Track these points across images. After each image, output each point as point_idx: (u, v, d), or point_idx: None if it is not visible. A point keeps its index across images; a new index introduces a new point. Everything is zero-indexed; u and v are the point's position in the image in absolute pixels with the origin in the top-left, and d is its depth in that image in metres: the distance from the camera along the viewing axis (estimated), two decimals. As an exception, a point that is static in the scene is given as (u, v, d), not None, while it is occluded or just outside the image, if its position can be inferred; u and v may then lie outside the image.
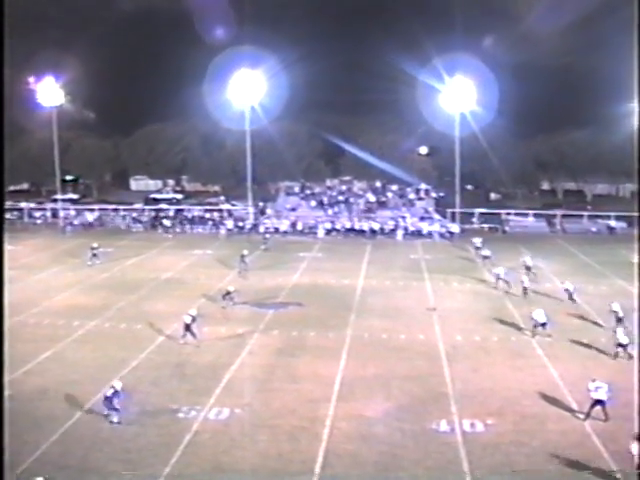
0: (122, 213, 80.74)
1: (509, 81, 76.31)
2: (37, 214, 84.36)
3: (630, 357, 30.63)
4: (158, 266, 53.72)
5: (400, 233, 68.77)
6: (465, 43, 74.14)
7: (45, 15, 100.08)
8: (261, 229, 70.28)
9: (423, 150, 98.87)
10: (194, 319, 34.00)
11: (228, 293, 40.84)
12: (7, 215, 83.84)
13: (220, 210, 79.75)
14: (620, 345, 30.97)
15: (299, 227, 71.59)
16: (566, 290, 40.97)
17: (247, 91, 73.97)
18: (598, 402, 24.38)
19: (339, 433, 23.76)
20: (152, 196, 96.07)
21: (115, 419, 24.91)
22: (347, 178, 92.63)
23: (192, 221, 76.66)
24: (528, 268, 47.89)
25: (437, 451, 22.40)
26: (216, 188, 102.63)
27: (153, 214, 79.88)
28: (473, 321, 37.74)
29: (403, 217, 73.48)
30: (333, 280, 47.81)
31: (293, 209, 79.26)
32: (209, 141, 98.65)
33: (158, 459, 21.94)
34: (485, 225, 73.48)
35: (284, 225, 72.43)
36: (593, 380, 24.67)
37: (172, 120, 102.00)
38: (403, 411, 25.52)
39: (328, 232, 69.95)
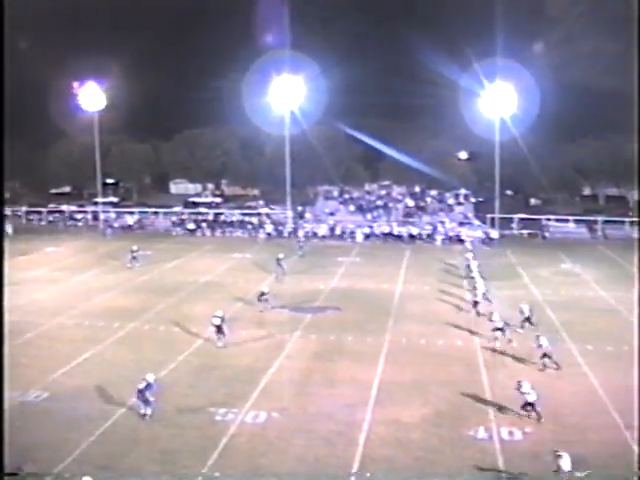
0: (173, 219, 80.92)
1: (550, 85, 75.77)
2: (78, 216, 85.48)
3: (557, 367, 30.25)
4: (197, 269, 54.05)
5: (439, 238, 68.51)
6: (506, 47, 73.62)
7: (87, 19, 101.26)
8: (300, 233, 70.39)
9: (463, 155, 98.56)
10: (223, 319, 34.40)
11: (262, 294, 40.99)
12: (49, 217, 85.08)
13: (259, 214, 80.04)
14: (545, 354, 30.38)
15: (337, 231, 71.59)
16: (521, 312, 37.40)
17: (287, 95, 74.19)
18: (529, 404, 24.89)
19: (376, 438, 23.71)
20: (191, 199, 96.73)
21: (148, 411, 25.49)
22: (386, 183, 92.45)
23: (231, 225, 77.01)
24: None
25: (474, 458, 22.22)
26: (255, 192, 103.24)
27: (192, 217, 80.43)
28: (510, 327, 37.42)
29: (442, 222, 73.13)
30: (371, 285, 47.74)
31: (332, 213, 79.24)
32: (248, 145, 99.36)
33: (195, 461, 22.07)
34: (525, 231, 72.83)
35: (322, 229, 72.47)
36: (519, 382, 25.40)
37: (212, 125, 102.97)
38: (440, 417, 25.40)
39: (367, 237, 69.84)
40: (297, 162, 79.67)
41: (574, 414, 25.68)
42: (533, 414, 25.01)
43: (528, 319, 36.24)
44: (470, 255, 54.23)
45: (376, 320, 38.68)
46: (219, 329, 34.16)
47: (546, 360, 30.30)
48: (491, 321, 34.57)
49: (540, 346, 30.37)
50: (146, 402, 25.48)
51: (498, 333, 33.70)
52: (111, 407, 26.50)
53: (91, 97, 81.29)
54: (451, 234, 69.48)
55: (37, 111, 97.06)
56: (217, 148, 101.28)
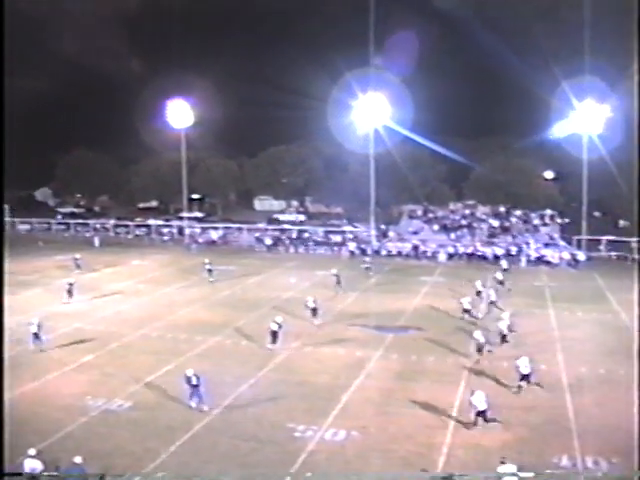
0: (256, 235, 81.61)
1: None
2: (164, 231, 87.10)
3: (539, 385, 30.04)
4: (279, 285, 54.41)
5: (524, 259, 67.41)
6: (597, 67, 72.16)
7: (177, 38, 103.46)
8: (383, 252, 70.22)
9: (549, 174, 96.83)
10: (280, 326, 35.78)
11: (314, 310, 42.04)
12: (136, 231, 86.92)
13: (342, 232, 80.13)
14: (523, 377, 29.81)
15: (421, 250, 71.14)
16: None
17: (371, 114, 74.30)
18: (481, 412, 25.49)
19: (455, 461, 23.33)
20: (275, 216, 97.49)
21: (199, 405, 27.59)
22: (471, 202, 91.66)
23: (314, 242, 77.32)
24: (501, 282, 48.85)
25: (557, 486, 21.70)
26: (339, 210, 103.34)
27: (276, 234, 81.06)
28: (598, 352, 36.43)
29: (527, 243, 71.97)
30: (454, 305, 47.17)
31: (415, 232, 78.88)
32: (333, 163, 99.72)
33: (273, 476, 22.12)
34: (613, 253, 71.03)
35: (406, 248, 72.12)
36: (473, 392, 26.00)
37: (296, 142, 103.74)
38: (522, 443, 24.81)
39: (450, 256, 69.20)
40: (381, 181, 79.61)
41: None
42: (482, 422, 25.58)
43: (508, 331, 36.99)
44: (500, 275, 54.17)
45: (458, 341, 38.18)
46: (274, 335, 35.48)
47: (523, 384, 29.81)
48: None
49: (517, 367, 29.96)
50: (198, 396, 27.60)
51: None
52: (192, 419, 26.79)
53: (179, 114, 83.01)
54: (536, 255, 68.23)
55: (126, 128, 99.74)
56: (301, 165, 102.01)
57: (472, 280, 52.41)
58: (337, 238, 78.06)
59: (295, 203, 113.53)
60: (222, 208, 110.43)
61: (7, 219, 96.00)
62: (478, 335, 34.57)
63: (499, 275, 54.36)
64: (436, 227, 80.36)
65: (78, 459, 20.57)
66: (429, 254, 70.31)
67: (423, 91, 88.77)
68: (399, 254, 70.87)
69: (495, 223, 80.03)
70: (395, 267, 64.21)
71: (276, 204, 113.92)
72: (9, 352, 36.47)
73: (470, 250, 70.24)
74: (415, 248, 71.72)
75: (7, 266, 60.60)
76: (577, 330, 41.23)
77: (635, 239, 72.86)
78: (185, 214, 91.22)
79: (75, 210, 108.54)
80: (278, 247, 76.27)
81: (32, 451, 21.28)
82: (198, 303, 48.17)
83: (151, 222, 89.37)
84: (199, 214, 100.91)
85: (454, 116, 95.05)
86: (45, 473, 20.77)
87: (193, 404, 27.79)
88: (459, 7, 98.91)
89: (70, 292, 47.86)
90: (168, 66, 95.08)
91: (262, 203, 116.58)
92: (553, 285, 56.10)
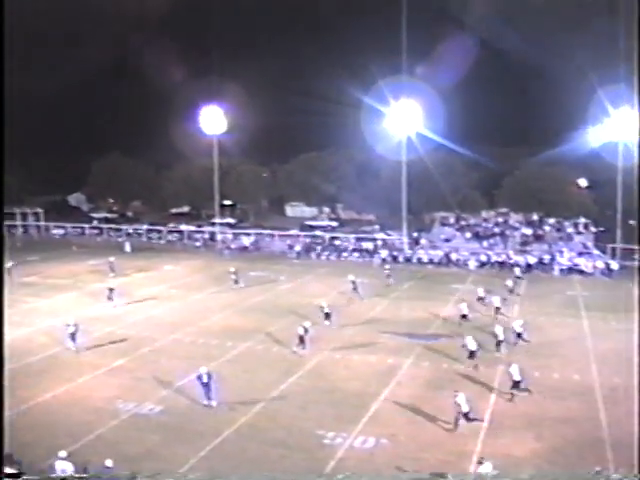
0: (288, 241, 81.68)
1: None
2: (196, 236, 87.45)
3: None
4: (311, 292, 54.36)
5: (557, 268, 66.79)
6: (631, 73, 71.41)
7: (210, 43, 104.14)
8: (415, 259, 70.06)
9: (583, 182, 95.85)
10: (307, 330, 36.50)
11: (327, 315, 42.86)
12: (168, 236, 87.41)
13: (374, 239, 79.94)
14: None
15: (453, 258, 70.75)
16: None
17: (404, 121, 74.18)
18: (465, 414, 26.13)
19: (486, 471, 23.16)
20: (307, 223, 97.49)
21: (208, 401, 28.66)
22: (503, 210, 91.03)
23: (346, 249, 77.20)
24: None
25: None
26: (371, 217, 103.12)
27: (308, 240, 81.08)
28: (633, 363, 35.97)
29: (560, 252, 71.29)
30: (486, 313, 46.84)
31: (447, 240, 78.49)
32: (365, 170, 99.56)
33: (302, 481, 22.14)
34: (648, 262, 70.12)
35: (438, 256, 71.78)
36: (456, 392, 26.76)
37: (328, 149, 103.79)
38: (554, 454, 24.57)
39: (482, 265, 68.75)
40: (413, 188, 79.38)
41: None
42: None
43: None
44: (510, 283, 54.21)
45: (490, 349, 37.87)
46: (302, 339, 36.14)
47: (514, 390, 29.99)
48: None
49: (510, 375, 30.20)
50: (209, 393, 28.71)
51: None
52: (222, 424, 26.88)
53: (212, 121, 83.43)
54: (570, 264, 67.55)
55: (160, 134, 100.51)
56: (333, 172, 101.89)
57: (504, 287, 52.41)
58: (369, 245, 77.83)
59: (327, 210, 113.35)
60: (254, 214, 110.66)
61: (42, 223, 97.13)
62: (470, 341, 34.88)
63: (509, 283, 54.32)
64: (468, 235, 79.85)
65: (109, 462, 20.72)
66: (461, 262, 69.88)
67: (456, 98, 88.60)
68: (431, 261, 70.51)
69: (528, 231, 79.32)
70: (427, 274, 63.94)
71: (308, 211, 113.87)
72: (43, 354, 36.95)
73: (502, 258, 69.69)
74: (447, 256, 71.32)
75: (42, 270, 61.62)
76: (611, 340, 40.72)
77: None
78: (217, 220, 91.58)
79: (108, 215, 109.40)
80: (309, 254, 76.23)
81: (63, 453, 21.50)
82: (230, 309, 48.32)
83: (183, 228, 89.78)
84: (231, 220, 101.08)
85: (487, 123, 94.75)
86: (76, 475, 20.95)
87: (211, 403, 28.85)
88: (492, 16, 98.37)
89: (110, 297, 48.44)
90: (202, 72, 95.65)
91: (294, 209, 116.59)
92: (586, 294, 55.49)
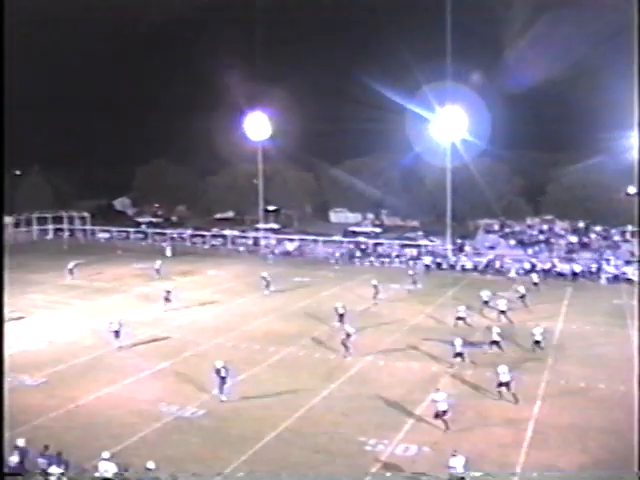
0: (331, 248, 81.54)
1: None
2: (240, 241, 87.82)
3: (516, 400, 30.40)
4: (354, 298, 54.19)
5: (604, 277, 65.84)
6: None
7: (256, 50, 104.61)
8: (458, 266, 69.68)
9: (631, 190, 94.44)
10: (349, 335, 37.15)
11: (341, 316, 43.65)
12: (212, 241, 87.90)
13: (418, 245, 79.55)
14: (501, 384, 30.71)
15: (497, 265, 70.09)
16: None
17: (449, 127, 73.84)
18: (443, 412, 26.93)
19: (529, 482, 22.91)
20: (351, 229, 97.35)
21: (224, 398, 29.94)
22: (549, 217, 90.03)
23: (389, 255, 76.91)
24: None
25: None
26: (414, 223, 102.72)
27: (352, 246, 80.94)
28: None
29: (607, 260, 70.25)
30: (530, 321, 46.26)
31: (492, 247, 77.79)
32: (409, 176, 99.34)
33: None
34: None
35: (482, 263, 71.18)
36: (437, 390, 28.01)
37: (373, 154, 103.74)
38: (600, 466, 24.14)
39: (527, 272, 67.97)
40: (458, 194, 78.94)
41: None
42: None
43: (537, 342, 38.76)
44: (522, 289, 53.09)
45: (534, 358, 37.50)
46: (345, 344, 36.89)
47: (503, 390, 30.59)
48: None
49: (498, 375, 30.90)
50: (221, 386, 30.08)
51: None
52: (264, 429, 26.94)
53: (257, 126, 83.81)
54: (616, 272, 66.52)
55: (204, 140, 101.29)
56: (378, 178, 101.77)
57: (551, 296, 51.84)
58: (412, 251, 77.43)
59: (370, 216, 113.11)
60: (298, 220, 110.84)
61: (88, 227, 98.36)
62: (458, 343, 35.71)
63: (521, 289, 53.14)
64: (513, 242, 79.10)
65: (151, 464, 20.85)
66: (505, 269, 69.14)
67: (500, 104, 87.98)
68: (474, 268, 69.94)
69: (574, 239, 78.34)
70: (471, 282, 63.41)
71: (352, 217, 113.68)
72: (87, 356, 37.40)
73: (547, 266, 68.84)
74: (491, 263, 70.64)
75: (87, 273, 62.40)
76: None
77: None
78: (261, 225, 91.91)
79: (153, 220, 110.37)
80: (352, 260, 76.08)
81: (106, 454, 21.71)
82: (273, 314, 48.46)
83: (227, 233, 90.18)
84: (275, 225, 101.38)
85: (532, 129, 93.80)
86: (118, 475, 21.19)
87: (222, 397, 30.14)
88: (536, 21, 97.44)
89: (168, 299, 48.97)
90: (247, 78, 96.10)
91: (338, 215, 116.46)
92: (633, 303, 54.63)
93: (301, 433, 26.74)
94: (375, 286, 53.60)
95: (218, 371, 30.16)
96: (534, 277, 60.25)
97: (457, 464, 22.00)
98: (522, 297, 51.92)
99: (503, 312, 46.10)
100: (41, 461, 21.64)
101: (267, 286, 56.39)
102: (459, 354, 35.56)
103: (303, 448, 25.34)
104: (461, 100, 74.40)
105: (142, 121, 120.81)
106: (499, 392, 30.56)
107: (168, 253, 76.25)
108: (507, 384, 30.45)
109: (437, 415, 26.99)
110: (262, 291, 56.02)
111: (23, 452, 22.13)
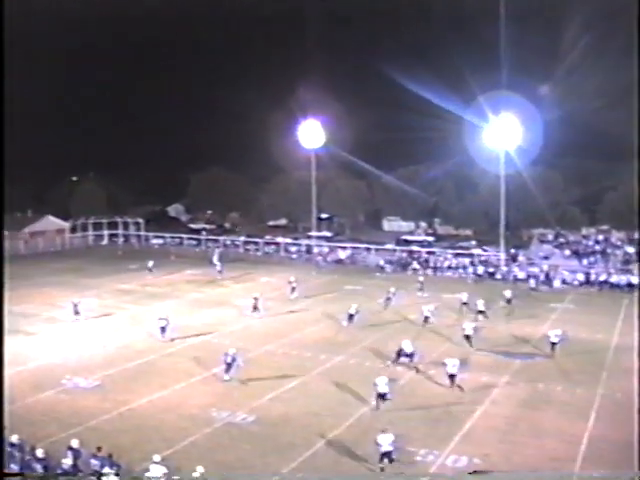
0: (383, 258, 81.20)
1: None
2: (292, 249, 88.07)
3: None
4: (406, 306, 53.88)
5: (660, 288, 64.55)
6: None
7: (311, 59, 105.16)
8: (511, 277, 69.01)
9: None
10: (412, 355, 37.15)
11: (350, 316, 45.76)
12: (265, 248, 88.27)
13: (471, 255, 78.91)
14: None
15: (551, 276, 69.12)
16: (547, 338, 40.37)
17: (502, 135, 73.25)
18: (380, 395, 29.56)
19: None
20: (404, 237, 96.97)
21: (227, 377, 33.54)
22: (604, 227, 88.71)
23: (442, 264, 76.38)
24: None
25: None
26: (468, 232, 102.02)
27: (404, 255, 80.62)
28: None
29: (665, 271, 68.87)
30: (584, 334, 45.52)
31: (546, 257, 76.82)
32: (463, 185, 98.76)
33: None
34: None
35: (535, 273, 70.26)
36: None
37: (426, 163, 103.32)
38: (655, 482, 23.71)
39: (581, 284, 66.98)
40: (511, 203, 78.18)
41: None
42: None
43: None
44: (508, 293, 54.46)
45: (588, 371, 36.91)
46: (399, 355, 37.27)
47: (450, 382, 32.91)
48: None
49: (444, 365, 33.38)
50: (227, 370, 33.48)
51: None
52: (313, 437, 26.95)
53: (311, 134, 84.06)
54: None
55: (258, 147, 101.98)
56: (431, 186, 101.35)
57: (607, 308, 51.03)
58: (465, 261, 76.81)
59: (423, 224, 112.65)
60: (350, 228, 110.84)
61: (142, 233, 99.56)
62: (407, 344, 36.66)
63: (507, 293, 54.40)
64: (567, 252, 78.04)
65: (200, 469, 20.98)
66: (559, 280, 68.14)
67: (556, 112, 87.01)
68: (528, 278, 68.99)
69: (630, 250, 76.97)
70: (524, 292, 62.59)
71: (404, 225, 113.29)
72: (140, 360, 37.83)
73: (603, 277, 67.75)
74: (545, 273, 69.66)
75: (142, 278, 63.22)
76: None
77: None
78: (314, 233, 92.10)
79: (206, 226, 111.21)
80: (405, 268, 75.70)
81: (157, 457, 21.91)
82: (324, 321, 48.48)
83: (280, 240, 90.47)
84: (327, 233, 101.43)
85: (587, 137, 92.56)
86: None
87: (225, 377, 33.88)
88: (592, 25, 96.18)
89: (256, 307, 49.41)
90: (301, 86, 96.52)
91: (390, 224, 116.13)
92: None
93: (350, 442, 26.64)
94: (393, 294, 54.41)
95: (226, 355, 33.99)
96: (532, 282, 64.10)
97: (384, 442, 23.48)
98: (508, 301, 53.72)
99: (481, 312, 47.92)
100: (94, 462, 21.92)
101: (292, 291, 56.84)
102: (408, 355, 36.61)
103: (352, 457, 25.25)
104: (515, 108, 73.79)
105: (197, 128, 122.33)
106: (451, 385, 33.02)
107: (215, 259, 73.72)
108: (453, 376, 33.02)
109: (378, 397, 29.79)
110: (289, 296, 56.64)
111: (76, 453, 22.45)
